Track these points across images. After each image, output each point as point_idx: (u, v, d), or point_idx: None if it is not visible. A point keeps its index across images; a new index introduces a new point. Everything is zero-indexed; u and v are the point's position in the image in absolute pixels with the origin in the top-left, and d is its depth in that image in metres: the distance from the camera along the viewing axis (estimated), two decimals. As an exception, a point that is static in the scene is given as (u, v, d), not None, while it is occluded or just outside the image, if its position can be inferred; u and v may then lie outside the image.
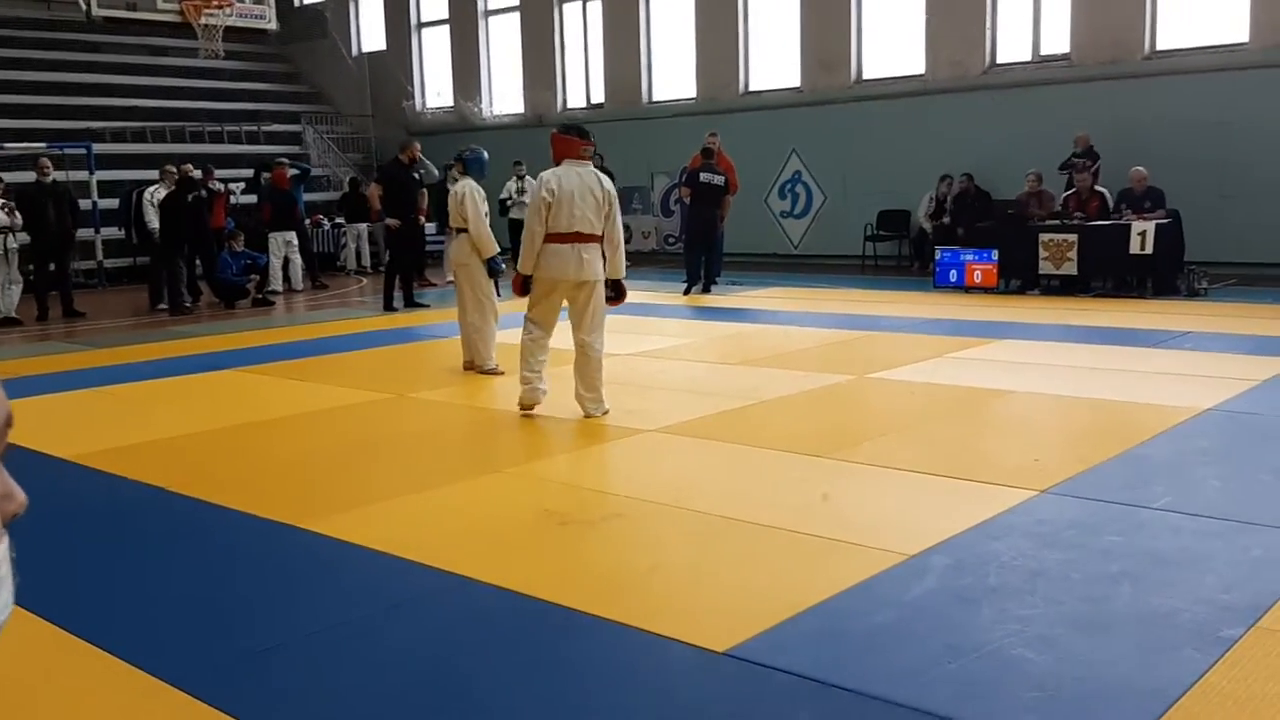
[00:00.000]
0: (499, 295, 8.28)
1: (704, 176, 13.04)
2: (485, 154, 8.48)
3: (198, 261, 13.72)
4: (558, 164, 6.35)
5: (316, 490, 5.26)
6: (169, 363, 9.15)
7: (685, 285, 13.28)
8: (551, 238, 6.23)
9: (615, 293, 6.55)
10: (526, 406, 6.58)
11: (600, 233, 6.30)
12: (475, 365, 8.21)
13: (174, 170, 13.35)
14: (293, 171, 15.32)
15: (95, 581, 4.12)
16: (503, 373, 7.93)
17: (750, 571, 3.99)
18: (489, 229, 8.11)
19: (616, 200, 6.39)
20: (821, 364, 8.11)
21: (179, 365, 8.98)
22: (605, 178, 6.39)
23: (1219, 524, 4.28)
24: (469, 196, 8.07)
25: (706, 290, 13.23)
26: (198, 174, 13.61)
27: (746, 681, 3.10)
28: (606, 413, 6.46)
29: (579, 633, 3.51)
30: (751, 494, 4.91)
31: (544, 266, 6.30)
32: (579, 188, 6.21)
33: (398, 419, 6.94)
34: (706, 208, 13.09)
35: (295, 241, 14.78)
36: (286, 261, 14.74)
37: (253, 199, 16.21)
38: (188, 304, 13.07)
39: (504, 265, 8.31)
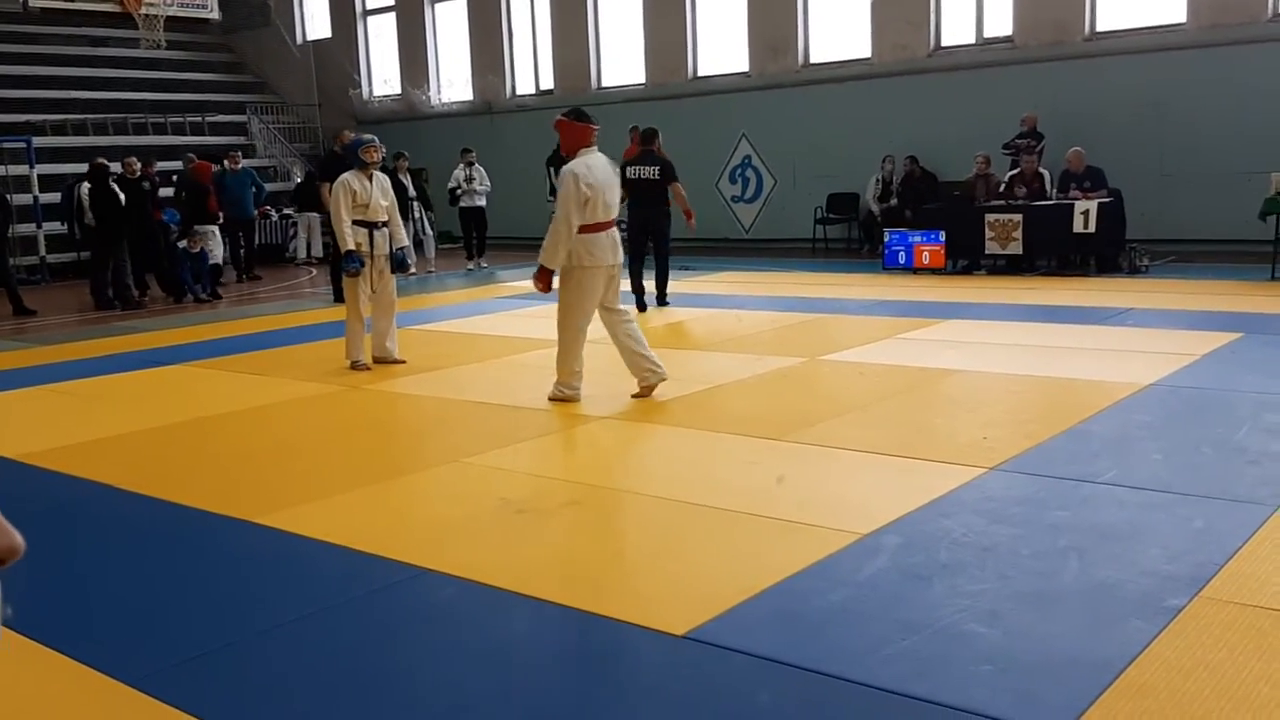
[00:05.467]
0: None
1: (630, 171, 10.09)
2: (366, 138, 7.91)
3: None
4: (570, 154, 6.34)
5: (270, 484, 5.23)
6: (117, 359, 9.02)
7: (636, 302, 10.27)
8: (587, 229, 6.22)
9: None
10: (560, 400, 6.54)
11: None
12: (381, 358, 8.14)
13: (104, 163, 13.05)
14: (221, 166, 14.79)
15: (45, 581, 4.06)
16: (369, 368, 7.90)
17: (707, 555, 4.03)
18: (348, 225, 7.69)
19: None
20: (774, 347, 8.17)
21: (127, 361, 8.86)
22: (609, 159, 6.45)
23: (1162, 496, 4.38)
24: (334, 188, 7.79)
25: (662, 302, 10.69)
26: (115, 166, 13.08)
27: (705, 663, 3.14)
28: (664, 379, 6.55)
29: (537, 620, 3.53)
30: (707, 478, 4.95)
31: (589, 256, 6.27)
32: (608, 177, 6.30)
33: (351, 411, 6.90)
34: (644, 208, 10.30)
35: (214, 234, 14.35)
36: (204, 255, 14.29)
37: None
38: (135, 296, 12.86)
39: (359, 266, 7.77)
